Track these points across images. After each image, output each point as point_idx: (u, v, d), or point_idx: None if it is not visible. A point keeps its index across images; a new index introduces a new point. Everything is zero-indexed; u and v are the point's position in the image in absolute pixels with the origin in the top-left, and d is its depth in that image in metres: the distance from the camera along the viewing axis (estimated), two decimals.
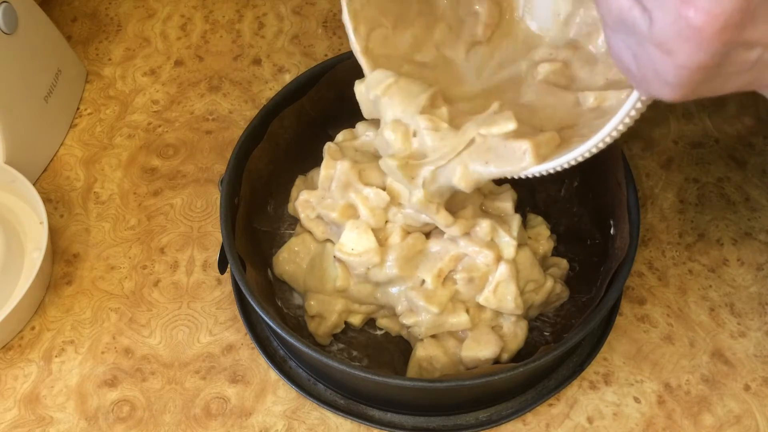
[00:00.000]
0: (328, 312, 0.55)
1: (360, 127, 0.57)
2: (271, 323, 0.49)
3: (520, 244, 0.52)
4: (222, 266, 0.57)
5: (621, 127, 0.38)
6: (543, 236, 0.56)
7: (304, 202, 0.56)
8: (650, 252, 0.61)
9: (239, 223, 0.55)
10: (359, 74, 0.62)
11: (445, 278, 0.52)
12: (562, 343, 0.48)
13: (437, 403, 0.54)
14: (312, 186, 0.58)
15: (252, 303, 0.50)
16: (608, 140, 0.40)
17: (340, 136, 0.57)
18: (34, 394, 0.56)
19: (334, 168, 0.54)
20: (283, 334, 0.49)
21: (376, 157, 0.54)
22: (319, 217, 0.55)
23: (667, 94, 0.32)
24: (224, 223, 0.54)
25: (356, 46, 0.49)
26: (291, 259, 0.57)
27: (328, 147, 0.56)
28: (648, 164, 0.66)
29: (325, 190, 0.55)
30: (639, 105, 0.36)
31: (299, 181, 0.61)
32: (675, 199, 0.64)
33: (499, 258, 0.51)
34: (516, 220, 0.53)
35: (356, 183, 0.53)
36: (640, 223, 0.54)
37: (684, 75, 0.30)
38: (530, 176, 0.45)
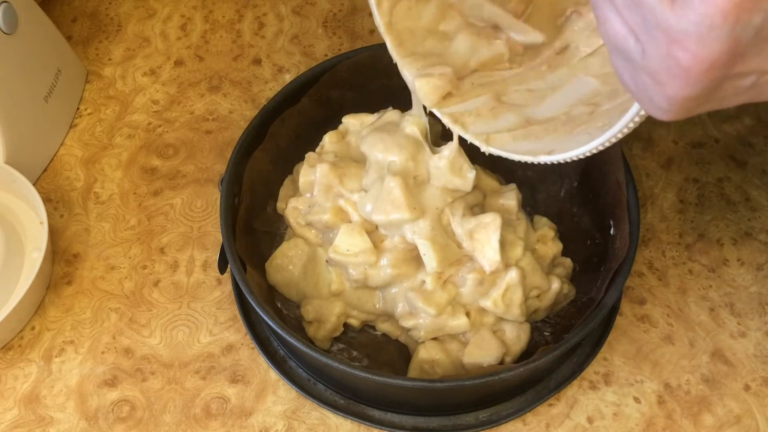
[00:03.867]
0: (325, 316, 0.55)
1: (347, 120, 0.57)
2: (271, 323, 0.49)
3: (525, 249, 0.52)
4: (222, 266, 0.57)
5: (626, 130, 0.39)
6: (548, 237, 0.56)
7: (293, 209, 0.56)
8: (650, 252, 0.61)
9: (239, 224, 0.55)
10: (359, 74, 0.62)
11: (446, 280, 0.52)
12: (561, 344, 0.48)
13: (437, 403, 0.53)
14: (297, 186, 0.58)
15: (252, 303, 0.50)
16: (613, 140, 0.40)
17: (326, 138, 0.57)
18: (34, 394, 0.56)
19: (312, 174, 0.54)
20: (283, 334, 0.49)
21: (355, 161, 0.55)
22: (309, 223, 0.55)
23: (662, 116, 0.33)
24: (224, 223, 0.54)
25: (380, 22, 0.49)
26: (284, 265, 0.57)
27: (308, 156, 0.56)
28: (648, 164, 0.66)
29: (310, 196, 0.55)
30: (643, 112, 0.37)
31: (288, 181, 0.61)
32: (675, 199, 0.64)
33: (507, 261, 0.51)
34: (522, 222, 0.53)
35: (338, 186, 0.53)
36: (640, 223, 0.54)
37: (674, 103, 0.31)
38: (523, 161, 0.45)
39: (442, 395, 0.51)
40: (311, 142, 0.59)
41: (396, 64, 0.49)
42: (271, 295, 0.58)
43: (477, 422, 0.53)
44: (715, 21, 0.26)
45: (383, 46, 0.49)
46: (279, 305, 0.58)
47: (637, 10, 0.29)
